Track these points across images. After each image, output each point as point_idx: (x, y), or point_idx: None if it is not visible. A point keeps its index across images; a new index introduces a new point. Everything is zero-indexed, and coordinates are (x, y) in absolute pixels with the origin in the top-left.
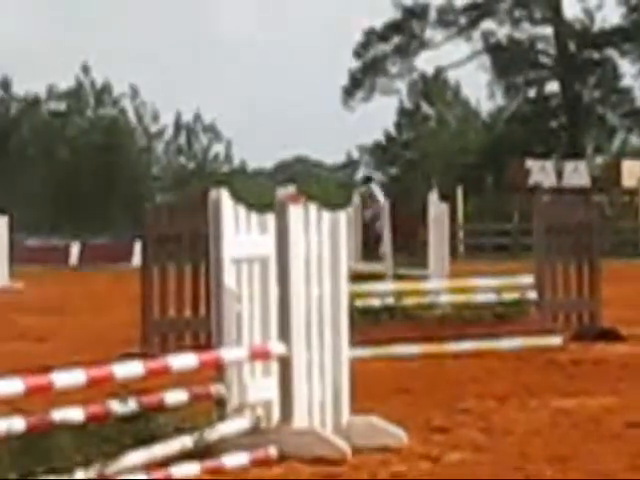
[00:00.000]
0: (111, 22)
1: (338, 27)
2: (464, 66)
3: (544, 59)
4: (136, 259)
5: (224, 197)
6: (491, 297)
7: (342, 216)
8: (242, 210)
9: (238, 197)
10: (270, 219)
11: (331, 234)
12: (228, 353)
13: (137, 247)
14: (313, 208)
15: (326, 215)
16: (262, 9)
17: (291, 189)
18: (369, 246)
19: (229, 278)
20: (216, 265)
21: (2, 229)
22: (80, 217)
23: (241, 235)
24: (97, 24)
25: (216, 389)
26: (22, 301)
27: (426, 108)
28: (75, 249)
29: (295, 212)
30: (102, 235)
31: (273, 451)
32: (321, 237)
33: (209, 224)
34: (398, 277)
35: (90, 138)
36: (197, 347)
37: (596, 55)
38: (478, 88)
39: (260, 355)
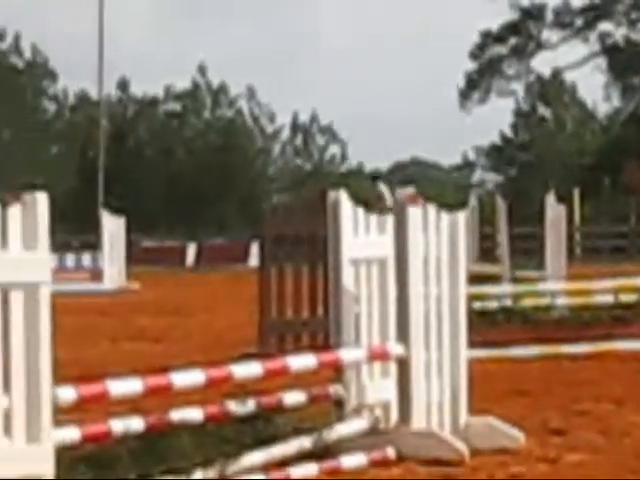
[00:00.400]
0: (228, 23)
1: (455, 28)
2: (580, 67)
3: None
4: (253, 260)
5: (343, 198)
6: (609, 299)
7: (461, 217)
8: (361, 211)
9: (356, 198)
10: (389, 220)
11: (450, 235)
12: (347, 354)
13: (254, 248)
14: (432, 209)
15: (445, 216)
16: (378, 10)
17: (410, 190)
18: None
19: (348, 279)
20: (335, 266)
21: (119, 230)
22: (196, 218)
23: (360, 236)
24: (214, 26)
25: (335, 390)
26: (139, 301)
27: (542, 110)
28: (192, 250)
29: (414, 213)
30: (218, 236)
31: (391, 452)
32: (440, 238)
33: (328, 225)
34: (515, 279)
35: (207, 139)
36: (314, 347)
37: None
38: (594, 90)
39: (379, 356)
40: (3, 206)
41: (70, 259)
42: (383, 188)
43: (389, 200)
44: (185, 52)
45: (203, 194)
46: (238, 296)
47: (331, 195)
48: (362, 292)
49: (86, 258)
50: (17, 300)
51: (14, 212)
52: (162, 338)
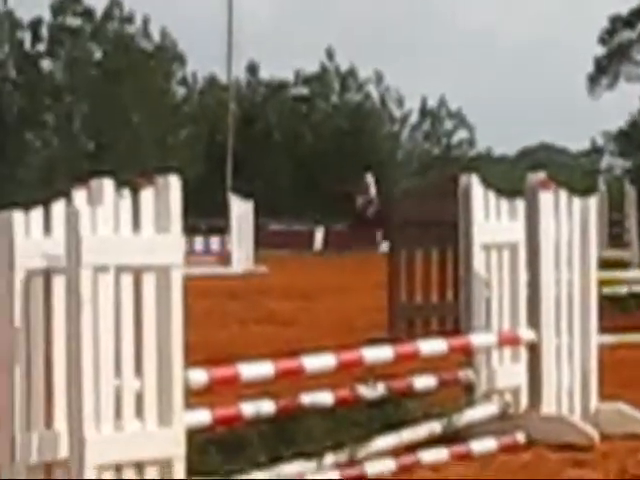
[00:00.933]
0: (357, 6)
1: (584, 13)
2: None
3: None
4: (382, 245)
5: (474, 183)
6: None
7: (592, 202)
8: (492, 196)
9: (486, 183)
10: (519, 205)
11: (581, 220)
12: (477, 339)
13: (381, 233)
14: (563, 194)
15: (576, 201)
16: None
17: (541, 175)
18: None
19: (478, 263)
20: (465, 250)
21: (248, 214)
22: (324, 202)
23: (491, 221)
24: (343, 8)
25: (465, 374)
26: (267, 285)
27: None
28: (319, 234)
29: (546, 198)
30: (345, 220)
31: (521, 437)
32: (571, 223)
33: (459, 209)
34: None
35: (335, 123)
36: (443, 332)
37: None
38: None
39: (509, 341)
40: (135, 189)
41: (199, 242)
42: (369, 179)
43: (373, 192)
44: (314, 35)
45: (331, 178)
46: (366, 281)
47: (462, 179)
48: (493, 277)
49: (214, 241)
50: (149, 283)
51: (147, 195)
52: (291, 322)
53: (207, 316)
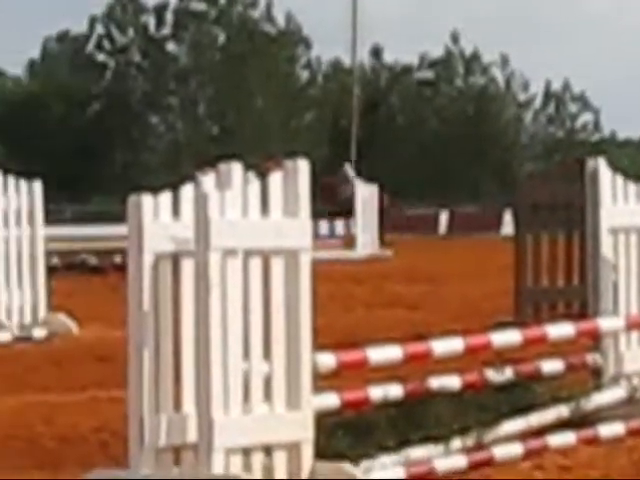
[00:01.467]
0: None
1: None
2: None
3: None
4: (505, 228)
5: (602, 166)
6: None
7: None
8: (619, 179)
9: (612, 166)
10: None
11: None
12: (605, 323)
13: (506, 216)
14: None
15: None
16: None
17: None
18: None
19: (606, 247)
20: (593, 234)
21: (372, 198)
22: (448, 186)
23: (619, 204)
24: None
25: (592, 359)
26: (392, 269)
27: None
28: (444, 218)
29: None
30: (470, 204)
31: None
32: None
33: (586, 193)
34: None
35: (459, 107)
36: (570, 316)
37: None
38: None
39: (637, 325)
40: (262, 173)
41: (324, 226)
42: (349, 171)
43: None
44: (438, 19)
45: (455, 161)
46: (491, 264)
47: (589, 163)
48: (620, 261)
49: (339, 225)
50: (278, 267)
51: (275, 179)
52: (417, 305)
53: (332, 300)
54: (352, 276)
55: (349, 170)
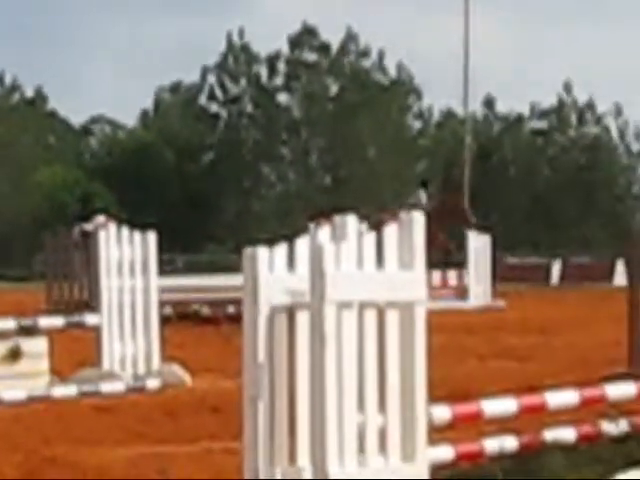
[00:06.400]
0: (592, 38)
1: None
2: None
3: None
4: (618, 278)
5: None
6: None
7: None
8: None
9: None
10: None
11: None
12: None
13: (618, 266)
14: None
15: None
16: None
17: None
18: None
19: None
20: None
21: (485, 247)
22: (560, 235)
23: None
24: (579, 40)
25: None
26: (504, 319)
27: None
28: (556, 268)
29: None
30: (582, 254)
31: None
32: None
33: None
34: None
35: (571, 156)
36: None
37: None
38: None
39: None
40: (376, 224)
41: (436, 276)
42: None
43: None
44: (550, 68)
45: (567, 211)
46: (604, 315)
47: None
48: None
49: (452, 275)
50: (393, 319)
51: (391, 231)
52: (529, 357)
53: (445, 351)
54: (465, 327)
55: (422, 194)
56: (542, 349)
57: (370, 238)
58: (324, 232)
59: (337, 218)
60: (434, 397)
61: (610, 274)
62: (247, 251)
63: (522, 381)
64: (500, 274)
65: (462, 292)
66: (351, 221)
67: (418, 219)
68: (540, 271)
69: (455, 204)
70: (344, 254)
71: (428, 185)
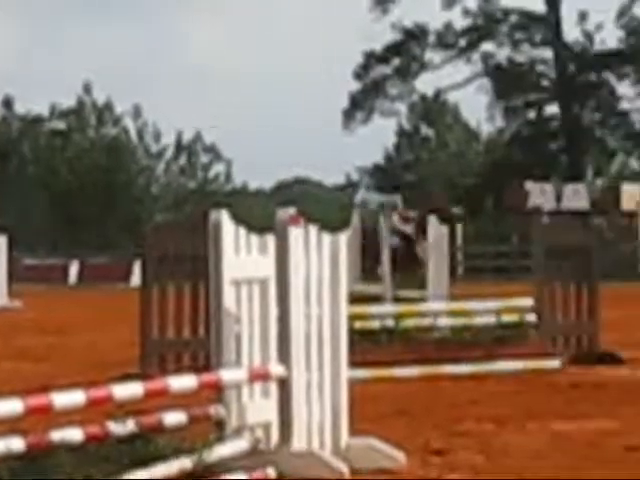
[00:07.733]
0: (114, 39)
1: (338, 50)
2: (464, 88)
3: (544, 81)
4: (135, 279)
5: (224, 218)
6: (490, 320)
7: (342, 238)
8: (242, 231)
9: (239, 218)
10: (270, 240)
11: (331, 256)
12: (227, 374)
13: (136, 267)
14: (313, 230)
15: (326, 237)
16: (260, 34)
17: (291, 211)
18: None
19: (229, 299)
20: (216, 286)
21: (2, 247)
22: (80, 236)
23: (241, 256)
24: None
25: (215, 410)
26: (21, 320)
27: (426, 130)
28: (74, 268)
29: (295, 234)
30: (101, 254)
31: (271, 472)
32: (321, 259)
33: (209, 245)
34: (397, 299)
35: (91, 157)
36: (195, 368)
37: (594, 78)
38: (478, 110)
39: (259, 376)
40: None
41: None
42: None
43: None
44: (70, 69)
45: (86, 212)
46: (122, 315)
47: (212, 215)
48: (243, 312)
49: None
50: None
51: None
52: (44, 357)
53: None
54: None
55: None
56: (59, 350)
57: None
58: None
59: None
60: None
61: (128, 274)
62: None
63: (35, 382)
64: (18, 275)
65: None
66: None
67: None
68: (58, 271)
69: None
70: None
71: None
